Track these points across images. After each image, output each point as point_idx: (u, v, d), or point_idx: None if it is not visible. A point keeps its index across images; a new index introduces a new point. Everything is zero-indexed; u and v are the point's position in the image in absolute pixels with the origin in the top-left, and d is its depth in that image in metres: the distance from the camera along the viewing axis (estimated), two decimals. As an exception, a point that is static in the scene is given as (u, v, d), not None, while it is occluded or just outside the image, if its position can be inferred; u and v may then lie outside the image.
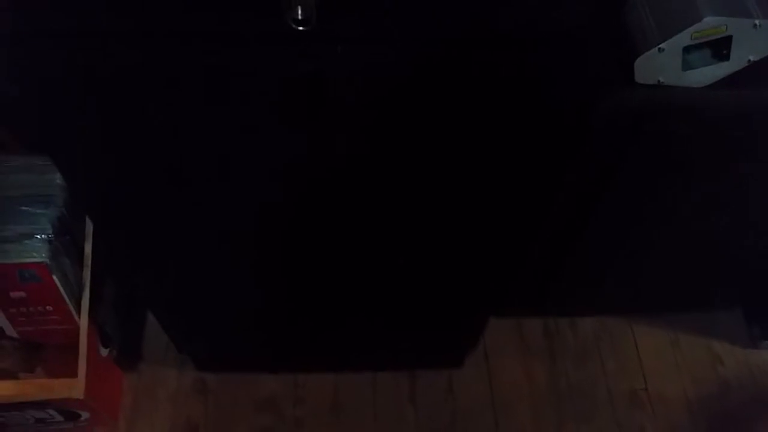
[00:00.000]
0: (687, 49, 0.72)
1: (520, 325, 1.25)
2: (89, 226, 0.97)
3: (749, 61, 0.72)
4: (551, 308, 1.24)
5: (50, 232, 0.90)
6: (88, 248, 0.97)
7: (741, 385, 1.20)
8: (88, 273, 0.97)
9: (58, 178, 0.92)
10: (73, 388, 0.95)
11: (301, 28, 0.50)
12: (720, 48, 0.72)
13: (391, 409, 1.16)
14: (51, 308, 0.96)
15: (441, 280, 0.94)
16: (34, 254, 0.89)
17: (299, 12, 0.49)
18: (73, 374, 0.95)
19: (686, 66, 0.73)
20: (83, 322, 0.97)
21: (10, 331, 1.01)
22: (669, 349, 1.24)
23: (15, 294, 0.93)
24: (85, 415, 1.02)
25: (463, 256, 0.88)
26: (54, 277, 0.91)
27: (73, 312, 0.97)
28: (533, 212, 0.82)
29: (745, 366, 1.22)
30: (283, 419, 1.14)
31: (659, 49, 0.71)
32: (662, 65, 0.72)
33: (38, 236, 0.89)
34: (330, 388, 1.17)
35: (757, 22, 0.69)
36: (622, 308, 1.27)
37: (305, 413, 1.15)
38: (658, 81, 0.73)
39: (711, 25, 0.69)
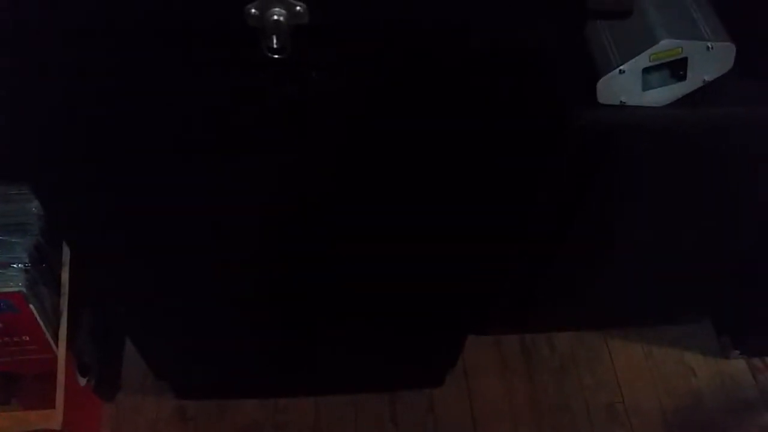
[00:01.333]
0: (647, 71, 0.75)
1: (498, 343, 1.26)
2: (66, 254, 0.96)
3: (704, 81, 0.76)
4: (528, 325, 1.26)
5: (26, 261, 0.89)
6: (65, 276, 0.96)
7: (714, 395, 1.23)
8: (66, 301, 0.96)
9: (34, 207, 0.92)
10: (51, 419, 0.94)
11: (276, 56, 0.52)
12: (677, 69, 0.76)
13: (373, 430, 1.16)
14: (28, 338, 0.95)
15: (420, 300, 0.95)
16: (11, 284, 0.88)
17: (274, 41, 0.50)
18: (51, 405, 0.94)
19: (646, 86, 0.76)
20: (61, 351, 0.96)
21: (-14, 362, 1.00)
22: (643, 362, 1.26)
23: (-9, 325, 0.92)
24: (63, 446, 1.01)
25: (441, 277, 0.90)
26: (31, 307, 0.90)
27: (51, 341, 0.96)
28: (509, 231, 0.84)
29: (717, 376, 1.25)
30: (264, 444, 1.14)
31: (620, 70, 0.74)
32: (623, 86, 0.76)
33: (14, 265, 0.89)
34: (311, 411, 1.17)
35: (709, 44, 0.73)
36: (597, 323, 1.29)
37: (287, 438, 1.15)
38: (620, 101, 0.77)
39: (667, 47, 0.73)
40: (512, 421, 1.18)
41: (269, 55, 0.52)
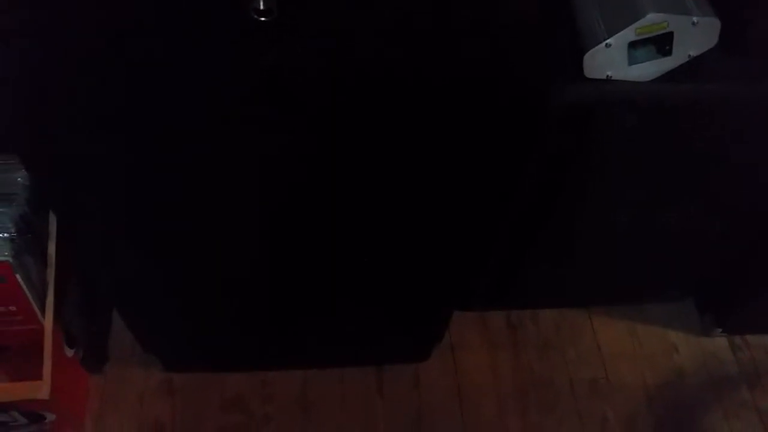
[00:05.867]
0: (633, 45, 0.76)
1: (484, 318, 1.28)
2: (53, 225, 0.96)
3: (690, 56, 0.77)
4: (513, 301, 1.28)
5: (12, 230, 0.89)
6: (51, 248, 0.96)
7: (695, 372, 1.25)
8: (53, 272, 0.96)
9: (20, 177, 0.92)
10: (38, 389, 0.94)
11: (263, 18, 0.52)
12: (663, 44, 0.76)
13: (360, 403, 1.17)
14: (14, 308, 0.95)
15: (406, 275, 0.96)
16: (-3, 253, 0.88)
17: (261, 3, 0.50)
18: (38, 376, 0.94)
19: (632, 61, 0.77)
20: (48, 322, 0.96)
21: (-28, 333, 1.00)
22: (627, 339, 1.28)
23: (-23, 295, 0.92)
24: (50, 416, 1.01)
25: (427, 252, 0.91)
26: (17, 276, 0.90)
27: (38, 312, 0.96)
28: (494, 206, 0.85)
29: (699, 353, 1.27)
30: (251, 417, 1.15)
31: (606, 44, 0.74)
32: (610, 60, 0.76)
33: (0, 235, 0.88)
34: (298, 384, 1.18)
35: (695, 19, 0.73)
36: (582, 301, 1.31)
37: (274, 410, 1.16)
38: (607, 75, 0.77)
39: (653, 21, 0.73)
40: (497, 395, 1.20)
41: (256, 17, 0.52)
